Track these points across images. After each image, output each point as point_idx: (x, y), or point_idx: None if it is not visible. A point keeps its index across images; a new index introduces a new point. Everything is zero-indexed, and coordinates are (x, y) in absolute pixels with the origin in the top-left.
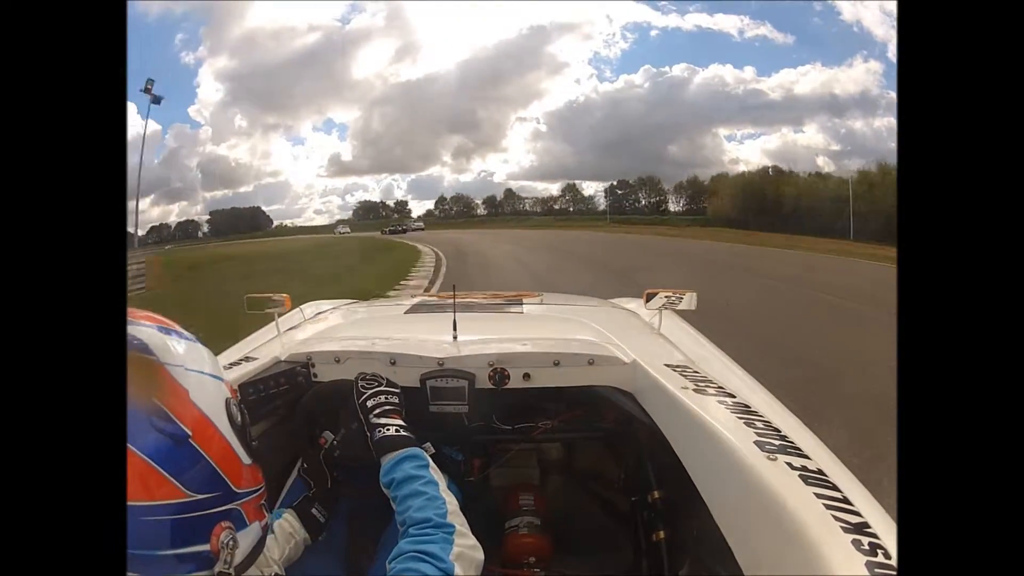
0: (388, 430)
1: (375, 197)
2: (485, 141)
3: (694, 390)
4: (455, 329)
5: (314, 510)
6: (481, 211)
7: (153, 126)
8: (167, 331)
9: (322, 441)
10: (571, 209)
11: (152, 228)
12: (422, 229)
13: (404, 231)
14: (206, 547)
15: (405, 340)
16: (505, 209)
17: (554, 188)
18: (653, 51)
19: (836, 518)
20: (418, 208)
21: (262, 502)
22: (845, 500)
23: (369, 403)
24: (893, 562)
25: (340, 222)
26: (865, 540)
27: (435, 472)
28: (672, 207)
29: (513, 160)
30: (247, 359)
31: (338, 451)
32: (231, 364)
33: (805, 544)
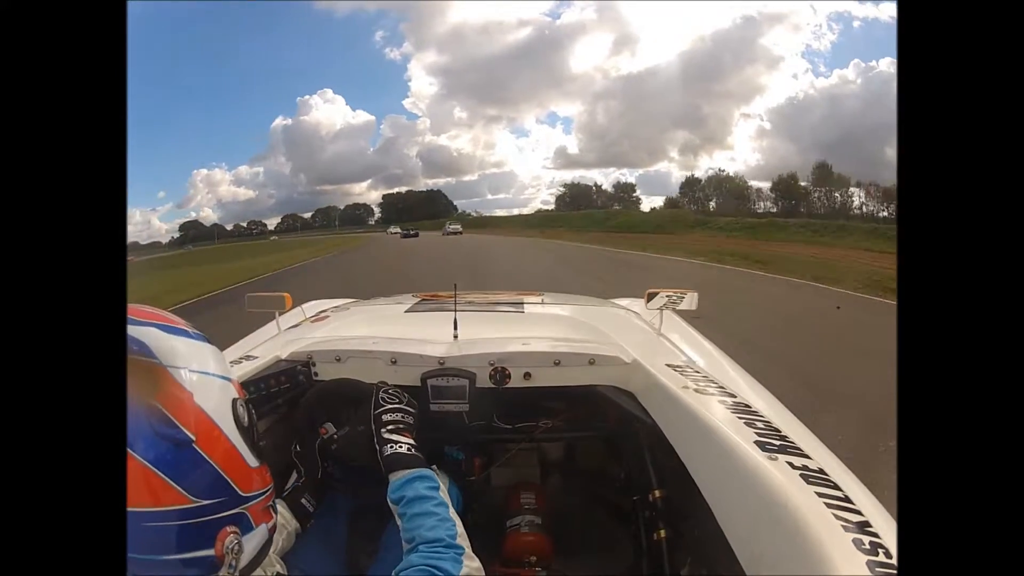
0: (400, 447)
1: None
2: (711, 137)
3: (695, 390)
4: (456, 328)
5: (304, 500)
6: (765, 205)
7: (365, 116)
8: (171, 330)
9: (322, 431)
10: None
11: (318, 211)
12: (459, 233)
13: (416, 235)
14: (211, 552)
15: (406, 339)
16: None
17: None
18: (859, 43)
19: (837, 517)
20: (652, 202)
21: (269, 503)
22: (846, 499)
23: (385, 417)
24: (894, 561)
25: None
26: (866, 539)
27: (444, 494)
28: None
29: (740, 158)
30: (247, 358)
31: (336, 445)
32: (231, 363)
33: (806, 543)
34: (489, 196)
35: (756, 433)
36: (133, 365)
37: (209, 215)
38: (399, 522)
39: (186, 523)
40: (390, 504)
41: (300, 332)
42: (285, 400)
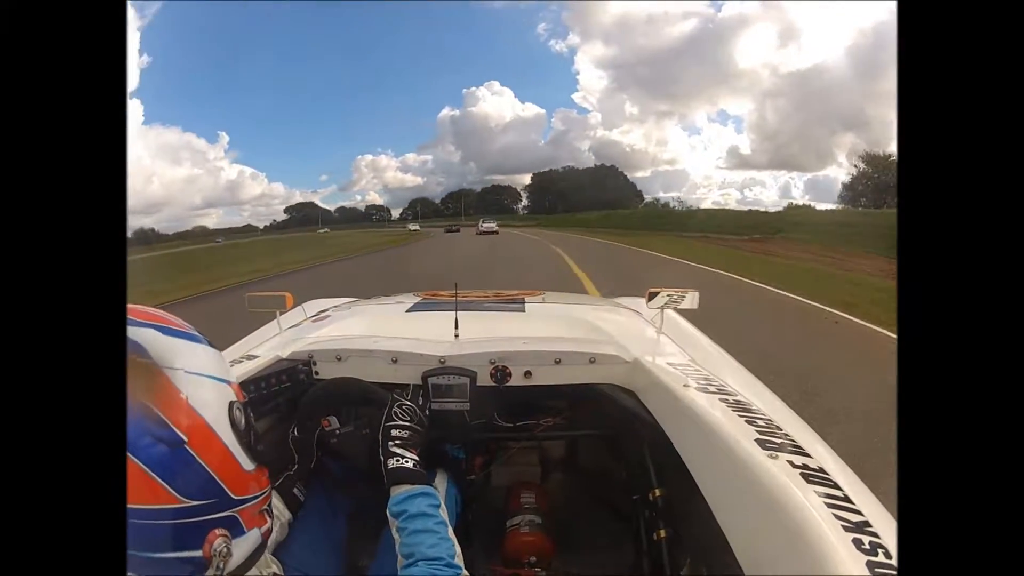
0: (406, 462)
1: (773, 194)
2: (876, 142)
3: (696, 388)
4: (457, 327)
5: (295, 490)
6: None
7: (535, 109)
8: (170, 332)
9: (325, 423)
10: None
11: (450, 195)
12: (494, 232)
13: (458, 230)
14: (198, 553)
15: (407, 338)
16: None
17: None
18: None
19: (837, 517)
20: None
21: (264, 507)
22: (846, 499)
23: (394, 431)
24: (894, 561)
25: (484, 218)
26: (866, 539)
27: (444, 513)
28: None
29: None
30: (248, 357)
31: (335, 440)
32: (231, 362)
33: (806, 543)
34: (662, 193)
35: (757, 432)
36: (129, 366)
37: (375, 199)
38: (396, 535)
39: (175, 523)
40: (389, 516)
41: (301, 331)
42: (285, 399)
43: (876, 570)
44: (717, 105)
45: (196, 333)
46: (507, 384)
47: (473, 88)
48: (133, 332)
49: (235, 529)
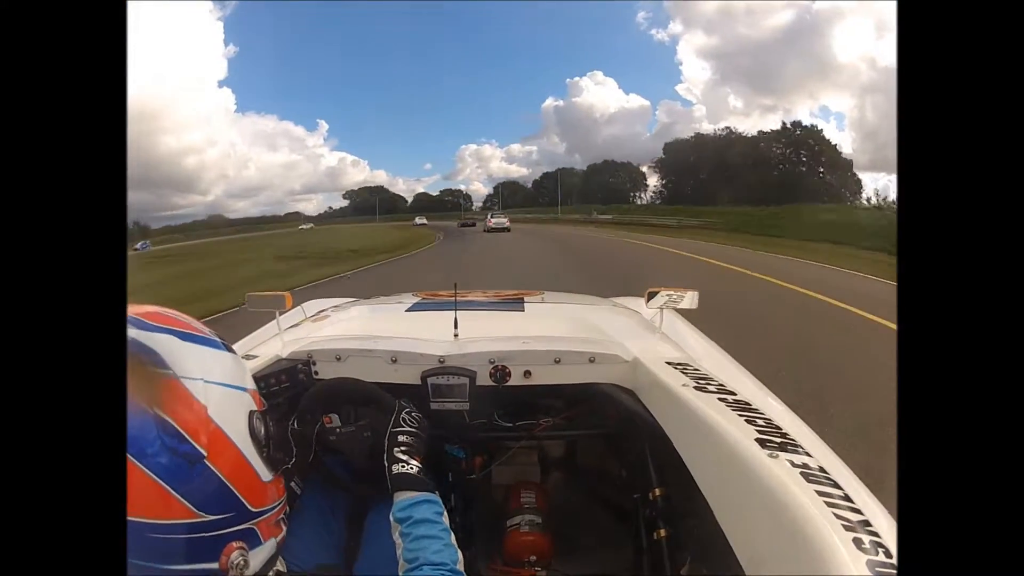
0: (410, 468)
1: (872, 197)
2: None
3: (695, 388)
4: (456, 327)
5: (292, 483)
6: None
7: (639, 101)
8: (189, 338)
9: (326, 420)
10: None
11: (545, 175)
12: (506, 229)
13: (473, 224)
14: (215, 565)
15: (406, 338)
16: None
17: None
18: None
19: (837, 516)
20: None
21: (281, 516)
22: (846, 498)
23: (400, 436)
24: (894, 560)
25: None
26: (866, 538)
27: (447, 521)
28: None
29: None
30: (248, 357)
31: (335, 437)
32: None
33: (806, 542)
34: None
35: (756, 431)
36: (145, 375)
37: (479, 188)
38: (399, 540)
39: (192, 536)
40: (392, 521)
41: (300, 331)
42: (285, 399)
43: (876, 569)
44: (817, 100)
45: (215, 338)
46: (506, 384)
47: (576, 78)
48: (148, 338)
49: (252, 540)
